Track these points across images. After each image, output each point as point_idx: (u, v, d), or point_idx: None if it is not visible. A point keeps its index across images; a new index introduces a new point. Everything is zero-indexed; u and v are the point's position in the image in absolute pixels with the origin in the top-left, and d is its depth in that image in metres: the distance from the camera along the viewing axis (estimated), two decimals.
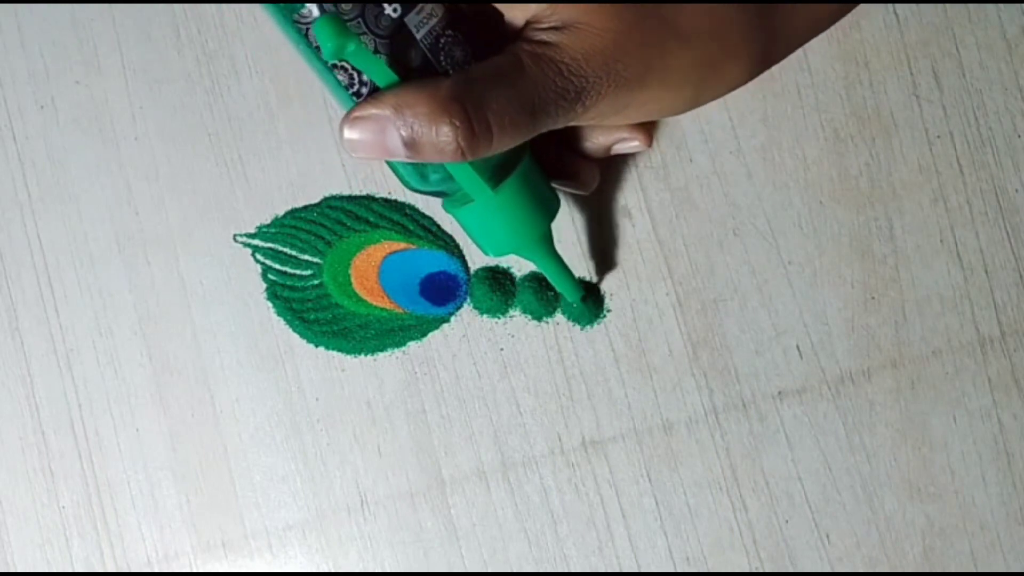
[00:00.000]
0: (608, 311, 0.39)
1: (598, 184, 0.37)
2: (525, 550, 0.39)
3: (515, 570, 0.39)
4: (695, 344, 0.39)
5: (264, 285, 0.40)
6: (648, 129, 0.36)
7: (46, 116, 0.41)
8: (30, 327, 0.41)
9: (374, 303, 0.40)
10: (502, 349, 0.40)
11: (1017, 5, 0.39)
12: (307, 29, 0.30)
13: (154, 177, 0.41)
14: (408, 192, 0.40)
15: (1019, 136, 0.39)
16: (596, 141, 0.35)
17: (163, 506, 0.40)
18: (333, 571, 0.40)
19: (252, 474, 0.40)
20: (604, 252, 0.39)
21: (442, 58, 0.31)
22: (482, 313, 0.40)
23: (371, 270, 0.40)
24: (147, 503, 0.40)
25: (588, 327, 0.39)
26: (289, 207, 0.40)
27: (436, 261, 0.40)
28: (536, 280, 0.39)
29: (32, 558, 0.41)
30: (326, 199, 0.40)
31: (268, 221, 0.40)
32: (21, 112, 0.41)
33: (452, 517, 0.40)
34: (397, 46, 0.30)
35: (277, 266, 0.40)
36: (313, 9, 0.29)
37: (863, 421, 0.39)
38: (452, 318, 0.40)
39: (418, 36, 0.30)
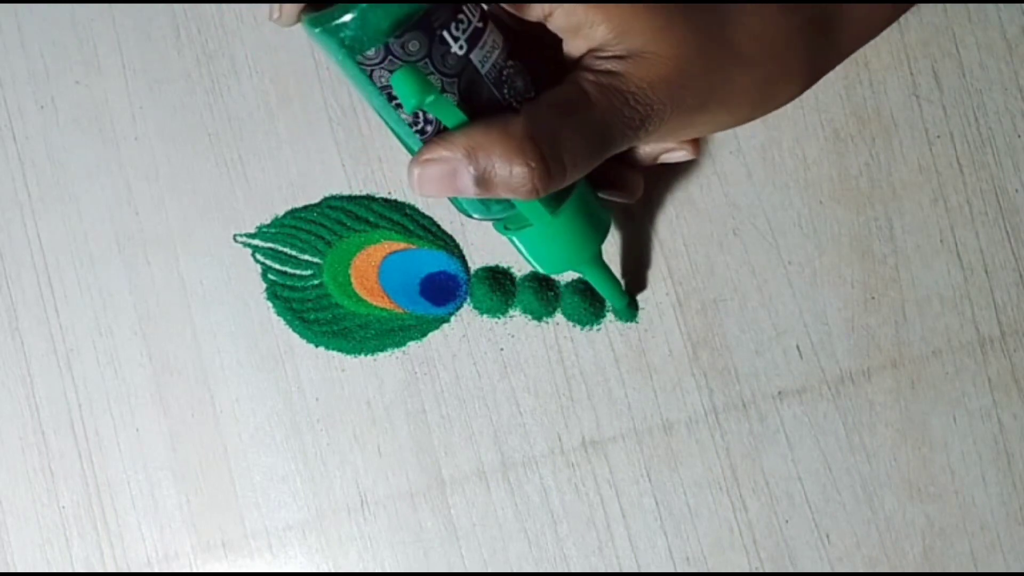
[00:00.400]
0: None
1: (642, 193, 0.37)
2: (525, 550, 0.39)
3: (515, 570, 0.39)
4: (695, 344, 0.39)
5: (264, 285, 0.40)
6: (695, 139, 0.35)
7: (46, 116, 0.41)
8: (30, 327, 0.41)
9: (374, 303, 0.40)
10: (502, 349, 0.40)
11: (1017, 5, 0.39)
12: (371, 71, 0.29)
13: (154, 177, 0.41)
14: (408, 192, 0.40)
15: (1019, 136, 0.39)
16: (644, 152, 0.35)
17: (163, 506, 0.40)
18: (333, 571, 0.40)
19: (252, 474, 0.40)
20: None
21: (506, 91, 0.30)
22: (482, 313, 0.40)
23: (371, 270, 0.40)
24: (147, 503, 0.40)
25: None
26: (289, 207, 0.40)
27: (436, 261, 0.40)
28: (536, 280, 0.39)
29: (32, 558, 0.41)
30: (326, 199, 0.40)
31: (268, 221, 0.40)
32: (21, 112, 0.41)
33: (452, 517, 0.40)
34: (464, 84, 0.29)
35: (277, 266, 0.40)
36: (377, 51, 0.28)
37: (863, 421, 0.39)
38: (452, 318, 0.40)
39: (482, 71, 0.30)
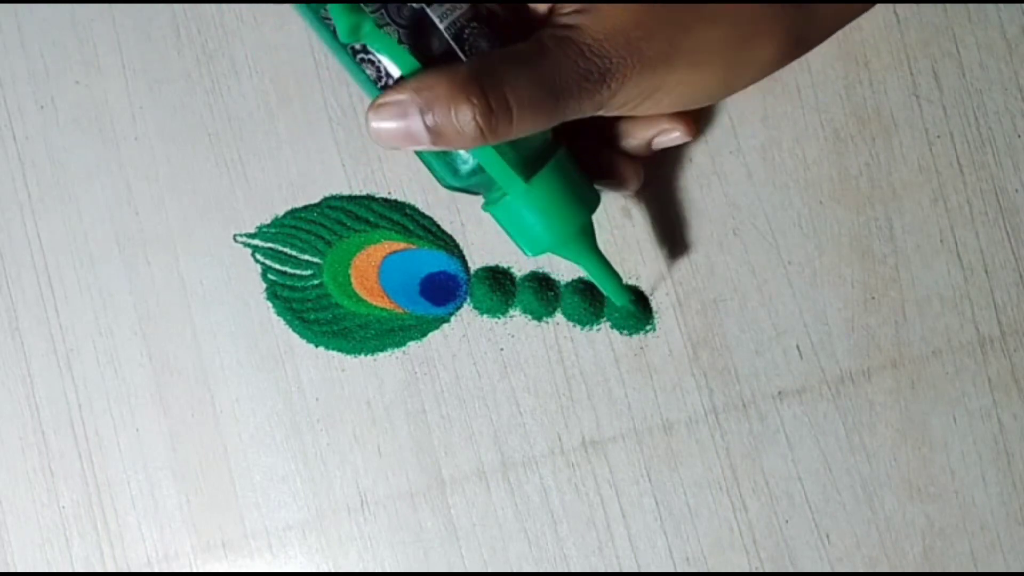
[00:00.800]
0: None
1: (642, 183, 0.36)
2: (525, 550, 0.39)
3: (515, 570, 0.39)
4: (695, 344, 0.39)
5: (264, 285, 0.40)
6: (688, 118, 0.35)
7: (46, 116, 0.41)
8: (30, 327, 0.41)
9: (374, 303, 0.40)
10: (502, 349, 0.40)
11: (1017, 5, 0.39)
12: (334, 28, 0.30)
13: (154, 177, 0.41)
14: (408, 192, 0.40)
15: (1019, 136, 0.39)
16: (636, 136, 0.35)
17: (163, 506, 0.40)
18: (333, 571, 0.40)
19: (252, 474, 0.40)
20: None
21: (467, 48, 0.31)
22: (482, 313, 0.40)
23: (371, 270, 0.40)
24: (147, 503, 0.40)
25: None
26: (289, 207, 0.40)
27: (436, 261, 0.40)
28: (536, 280, 0.39)
29: (32, 558, 0.41)
30: (326, 199, 0.40)
31: (268, 221, 0.40)
32: (21, 112, 0.41)
33: (452, 517, 0.40)
34: (420, 35, 0.30)
35: (277, 266, 0.40)
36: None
37: (863, 421, 0.39)
38: (452, 318, 0.40)
39: (441, 26, 0.31)
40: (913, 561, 0.39)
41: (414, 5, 0.30)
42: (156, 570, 0.40)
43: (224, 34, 0.40)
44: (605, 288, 0.36)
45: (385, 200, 0.40)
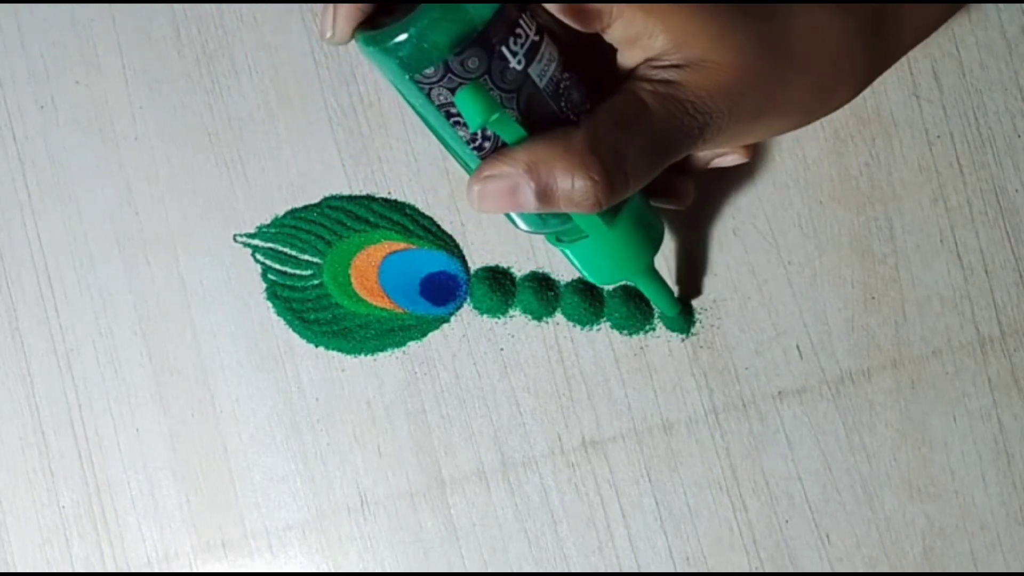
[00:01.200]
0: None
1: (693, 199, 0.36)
2: (525, 550, 0.39)
3: (515, 570, 0.39)
4: (695, 344, 0.39)
5: (264, 285, 0.40)
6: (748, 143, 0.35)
7: (46, 116, 0.41)
8: (30, 327, 0.41)
9: (374, 303, 0.40)
10: (502, 349, 0.40)
11: (1017, 5, 0.39)
12: (429, 89, 0.29)
13: (154, 177, 0.41)
14: (408, 192, 0.40)
15: (1019, 136, 0.39)
16: (697, 157, 0.35)
17: (163, 506, 0.40)
18: (333, 571, 0.40)
19: (252, 474, 0.40)
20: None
21: (563, 104, 0.30)
22: (482, 313, 0.40)
23: (371, 270, 0.40)
24: (147, 503, 0.40)
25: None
26: (289, 207, 0.40)
27: (436, 261, 0.40)
28: (536, 280, 0.39)
29: (32, 558, 0.41)
30: (326, 199, 0.40)
31: (268, 221, 0.40)
32: (21, 112, 0.41)
33: (452, 517, 0.40)
34: (523, 99, 0.29)
35: (277, 266, 0.40)
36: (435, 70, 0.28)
37: (863, 421, 0.39)
38: (452, 318, 0.40)
39: (540, 85, 0.29)
40: (913, 561, 0.39)
41: (517, 67, 0.29)
42: (156, 570, 0.40)
43: (224, 34, 0.40)
44: (660, 304, 0.38)
45: (385, 200, 0.40)
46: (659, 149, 0.29)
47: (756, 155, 0.39)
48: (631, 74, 0.30)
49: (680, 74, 0.29)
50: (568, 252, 0.34)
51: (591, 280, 0.35)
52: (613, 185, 0.29)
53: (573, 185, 0.29)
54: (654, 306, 0.39)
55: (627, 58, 0.30)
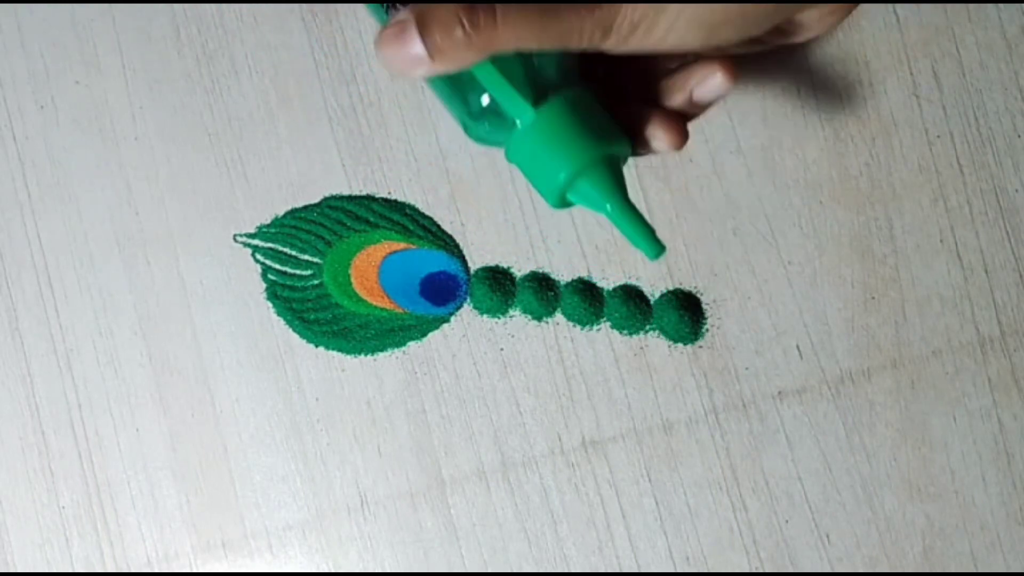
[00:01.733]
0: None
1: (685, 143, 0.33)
2: (525, 550, 0.39)
3: (515, 570, 0.39)
4: (695, 344, 0.39)
5: (264, 285, 0.40)
6: (727, 60, 0.32)
7: (46, 116, 0.41)
8: (30, 327, 0.41)
9: (374, 303, 0.40)
10: (502, 349, 0.40)
11: (1017, 5, 0.39)
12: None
13: (154, 177, 0.41)
14: (408, 192, 0.40)
15: (1019, 136, 0.39)
16: (677, 90, 0.32)
17: (163, 506, 0.40)
18: (333, 571, 0.40)
19: (252, 474, 0.40)
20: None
21: None
22: (482, 313, 0.40)
23: (371, 270, 0.40)
24: (147, 503, 0.40)
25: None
26: (289, 207, 0.40)
27: (436, 261, 0.40)
28: (536, 280, 0.39)
29: (32, 558, 0.41)
30: (326, 199, 0.40)
31: (268, 221, 0.40)
32: (21, 112, 0.41)
33: (452, 517, 0.40)
34: None
35: (277, 266, 0.40)
36: None
37: (863, 421, 0.39)
38: (452, 318, 0.40)
39: None
40: (913, 561, 0.39)
41: None
42: (156, 570, 0.40)
43: (224, 34, 0.40)
44: (635, 240, 0.32)
45: (385, 200, 0.40)
46: (545, 10, 0.29)
47: (756, 156, 0.39)
48: None
49: None
50: (514, 159, 0.32)
51: (546, 199, 0.32)
52: (477, 11, 0.29)
53: (453, 33, 0.29)
54: (657, 312, 0.38)
55: None
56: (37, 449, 0.41)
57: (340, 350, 0.40)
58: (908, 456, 0.39)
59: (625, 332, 0.39)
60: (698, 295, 0.39)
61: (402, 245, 0.40)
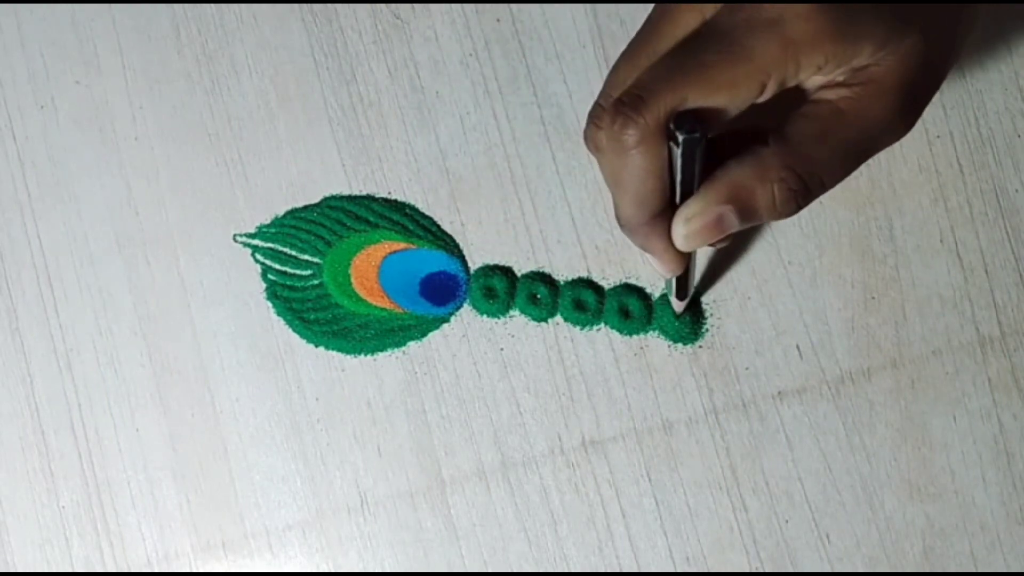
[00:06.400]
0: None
1: None
2: (525, 550, 0.39)
3: (515, 570, 0.39)
4: (695, 344, 0.39)
5: (264, 285, 0.40)
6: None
7: (46, 116, 0.41)
8: (30, 327, 0.41)
9: (374, 303, 0.40)
10: (502, 349, 0.40)
11: (1017, 5, 0.39)
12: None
13: (154, 177, 0.41)
14: (408, 192, 0.40)
15: (1019, 136, 0.39)
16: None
17: (163, 506, 0.40)
18: (333, 571, 0.40)
19: (252, 474, 0.40)
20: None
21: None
22: (482, 313, 0.40)
23: (371, 270, 0.40)
24: (147, 503, 0.40)
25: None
26: (289, 207, 0.40)
27: (436, 261, 0.40)
28: (536, 280, 0.39)
29: (32, 558, 0.41)
30: (326, 199, 0.40)
31: (268, 221, 0.40)
32: (21, 112, 0.41)
33: (452, 517, 0.40)
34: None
35: (277, 266, 0.40)
36: None
37: (863, 421, 0.39)
38: (452, 318, 0.40)
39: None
40: (913, 561, 0.39)
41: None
42: (156, 570, 0.40)
43: (224, 34, 0.40)
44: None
45: (385, 200, 0.40)
46: (855, 147, 0.30)
47: None
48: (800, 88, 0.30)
49: (865, 74, 0.29)
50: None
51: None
52: (810, 190, 0.30)
53: (775, 198, 0.29)
54: (657, 313, 0.39)
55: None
56: (37, 449, 0.41)
57: (340, 350, 0.40)
58: (908, 456, 0.39)
59: (625, 332, 0.39)
60: (698, 295, 0.39)
61: (402, 245, 0.40)
